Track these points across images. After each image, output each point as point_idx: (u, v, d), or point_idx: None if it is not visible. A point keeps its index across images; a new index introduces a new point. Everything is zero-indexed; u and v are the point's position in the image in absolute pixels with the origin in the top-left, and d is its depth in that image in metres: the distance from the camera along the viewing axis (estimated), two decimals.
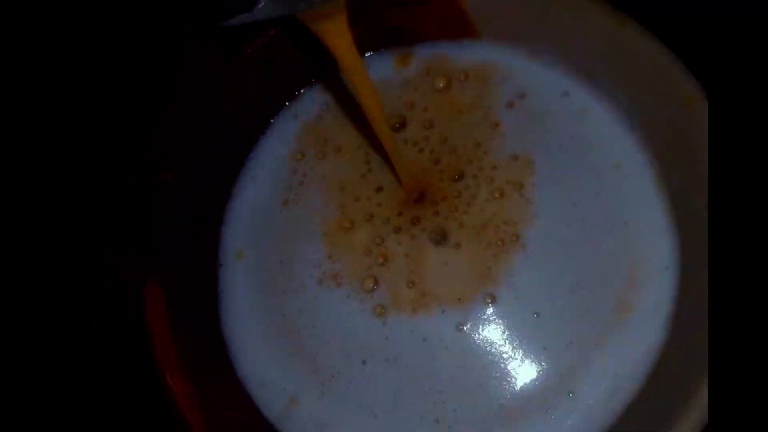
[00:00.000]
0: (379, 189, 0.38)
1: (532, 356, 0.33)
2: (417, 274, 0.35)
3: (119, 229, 0.40)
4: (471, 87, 0.39)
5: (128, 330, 0.37)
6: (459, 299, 0.34)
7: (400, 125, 0.38)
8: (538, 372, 0.33)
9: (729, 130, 0.31)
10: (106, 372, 0.38)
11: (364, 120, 0.36)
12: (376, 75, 0.39)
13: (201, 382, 0.34)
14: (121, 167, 0.42)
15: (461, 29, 0.39)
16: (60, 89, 0.44)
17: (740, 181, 0.30)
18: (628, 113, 0.36)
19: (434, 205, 0.36)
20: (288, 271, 0.37)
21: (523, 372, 0.33)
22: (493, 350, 0.34)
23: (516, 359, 0.33)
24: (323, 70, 0.40)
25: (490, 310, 0.34)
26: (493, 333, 0.34)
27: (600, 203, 0.35)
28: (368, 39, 0.40)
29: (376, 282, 0.35)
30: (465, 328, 0.34)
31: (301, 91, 0.41)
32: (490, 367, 0.34)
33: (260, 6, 0.27)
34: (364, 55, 0.40)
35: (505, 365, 0.33)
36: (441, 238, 0.36)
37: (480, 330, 0.34)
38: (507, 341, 0.34)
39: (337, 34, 0.31)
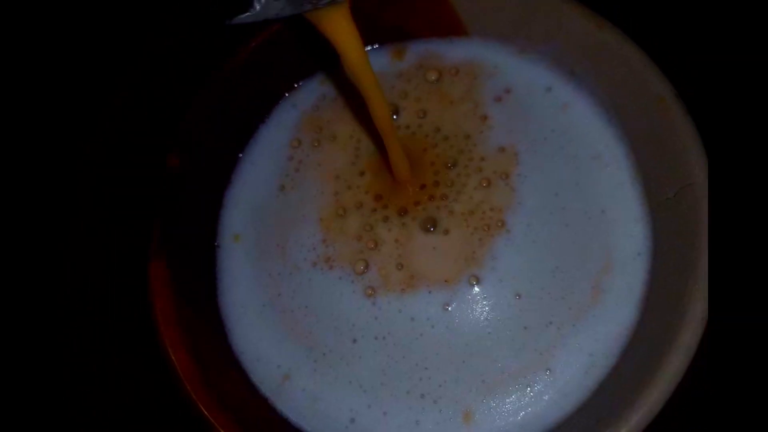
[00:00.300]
0: (368, 176, 0.39)
1: (513, 335, 0.35)
2: (406, 257, 0.37)
3: (124, 213, 0.40)
4: (461, 81, 0.40)
5: (128, 328, 0.38)
6: (445, 281, 0.36)
7: (394, 112, 0.40)
8: (519, 350, 0.35)
9: (699, 125, 0.33)
10: (106, 371, 0.39)
11: (358, 110, 0.37)
12: (372, 67, 0.41)
13: (201, 357, 0.35)
14: (125, 159, 0.43)
15: (451, 28, 0.41)
16: (60, 89, 0.44)
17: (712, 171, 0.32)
18: (606, 108, 0.38)
19: (426, 193, 0.38)
20: (283, 253, 0.38)
21: (505, 350, 0.35)
22: (477, 329, 0.35)
23: (498, 338, 0.35)
24: (321, 63, 0.42)
25: (474, 291, 0.35)
26: (476, 313, 0.35)
27: (579, 192, 0.37)
28: (365, 35, 0.41)
29: (366, 265, 0.37)
30: (450, 308, 0.35)
31: (300, 83, 0.42)
32: (473, 344, 0.35)
33: (268, 6, 0.28)
34: None
35: (488, 343, 0.35)
36: (431, 225, 0.37)
37: (465, 310, 0.35)
38: (490, 321, 0.35)
39: (342, 32, 0.32)
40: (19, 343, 0.40)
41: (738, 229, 0.31)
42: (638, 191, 0.36)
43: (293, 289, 0.38)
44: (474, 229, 0.36)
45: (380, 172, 0.39)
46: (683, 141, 0.34)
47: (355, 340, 0.36)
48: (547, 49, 0.39)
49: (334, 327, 0.36)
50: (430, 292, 0.36)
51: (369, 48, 0.42)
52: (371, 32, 0.41)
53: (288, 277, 0.38)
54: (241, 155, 0.41)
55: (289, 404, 0.36)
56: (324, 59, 0.41)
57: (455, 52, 0.41)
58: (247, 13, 0.29)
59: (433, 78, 0.41)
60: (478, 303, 0.35)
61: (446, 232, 0.37)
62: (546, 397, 0.34)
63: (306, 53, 0.41)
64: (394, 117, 0.40)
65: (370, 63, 0.33)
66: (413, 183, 0.38)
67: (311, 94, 0.42)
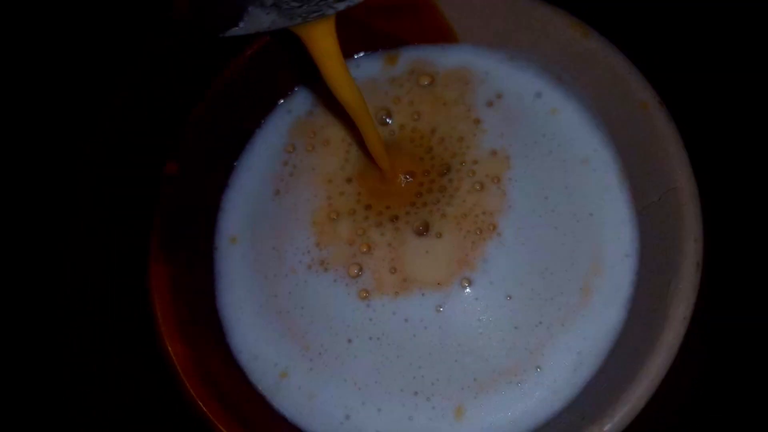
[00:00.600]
0: (361, 180, 0.40)
1: (504, 335, 0.36)
2: (399, 261, 0.37)
3: (124, 213, 0.41)
4: (453, 87, 0.41)
5: (128, 328, 0.39)
6: (438, 283, 0.36)
7: (387, 116, 0.41)
8: (509, 349, 0.35)
9: (682, 130, 0.34)
10: (106, 371, 0.40)
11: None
12: (365, 73, 0.42)
13: (200, 356, 0.35)
14: (125, 159, 0.43)
15: (442, 35, 0.42)
16: (60, 89, 0.45)
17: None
18: (594, 114, 0.39)
19: (419, 198, 0.38)
20: (279, 256, 0.39)
21: (496, 349, 0.36)
22: (469, 329, 0.36)
23: (489, 338, 0.36)
24: (315, 70, 0.42)
25: (466, 293, 0.36)
26: (468, 314, 0.36)
27: (569, 195, 0.38)
28: (357, 42, 0.42)
29: (360, 268, 0.37)
30: (443, 309, 0.36)
31: (295, 89, 0.43)
32: (465, 344, 0.36)
33: (259, 19, 0.29)
34: (354, 55, 0.43)
35: (479, 343, 0.36)
36: (424, 229, 0.38)
37: (457, 311, 0.36)
38: (481, 321, 0.36)
39: (323, 44, 0.33)
40: (19, 343, 0.40)
41: (723, 231, 0.32)
42: (625, 195, 0.37)
43: (289, 290, 0.38)
44: (466, 233, 0.37)
45: (373, 176, 0.40)
46: (666, 146, 0.35)
47: (350, 340, 0.37)
48: (535, 56, 0.40)
49: (329, 327, 0.37)
50: (423, 295, 0.36)
51: (362, 54, 0.43)
52: (363, 39, 0.42)
53: (284, 279, 0.38)
54: (237, 160, 0.42)
55: (285, 401, 0.37)
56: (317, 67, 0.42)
57: (447, 58, 0.42)
58: (239, 27, 0.29)
59: (425, 83, 0.41)
60: (470, 305, 0.36)
61: (439, 235, 0.37)
62: (536, 395, 0.35)
63: (301, 60, 0.41)
64: (388, 121, 0.41)
65: (353, 84, 0.34)
66: (406, 187, 0.39)
67: (306, 100, 0.43)
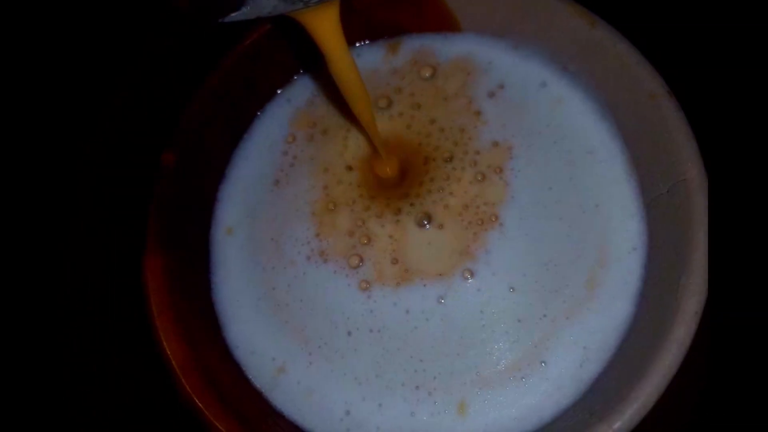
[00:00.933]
0: (363, 171, 0.39)
1: (508, 328, 0.35)
2: (400, 252, 0.37)
3: (124, 213, 0.40)
4: (455, 77, 0.40)
5: (128, 328, 0.38)
6: (440, 274, 0.36)
7: (388, 106, 0.40)
8: (513, 342, 0.35)
9: (692, 121, 0.34)
10: (106, 371, 0.40)
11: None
12: (365, 63, 0.41)
13: (196, 351, 0.35)
14: (125, 159, 0.43)
15: (444, 23, 0.41)
16: (60, 89, 0.44)
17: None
18: (600, 104, 0.38)
19: (421, 188, 0.38)
20: (278, 247, 0.38)
21: (499, 342, 0.35)
22: (471, 322, 0.35)
23: (492, 330, 0.35)
24: (315, 58, 0.42)
25: (468, 285, 0.36)
26: (471, 306, 0.35)
27: (573, 187, 0.37)
28: (358, 31, 0.42)
29: (361, 259, 0.37)
30: (445, 301, 0.36)
31: (295, 78, 0.42)
32: (468, 337, 0.35)
33: (260, 4, 0.28)
34: (355, 44, 0.42)
35: (482, 336, 0.35)
36: (426, 220, 0.37)
37: (459, 303, 0.35)
38: (484, 314, 0.35)
39: (328, 34, 0.32)
40: (19, 343, 0.40)
41: (734, 224, 0.32)
42: (633, 186, 0.37)
43: (288, 282, 0.38)
44: (468, 224, 0.37)
45: (374, 167, 0.39)
46: (676, 137, 0.34)
47: (350, 333, 0.36)
48: (540, 45, 0.39)
49: (329, 320, 0.36)
50: (424, 286, 0.36)
51: (362, 43, 0.42)
52: (365, 28, 0.42)
53: (282, 270, 0.38)
54: (235, 150, 0.41)
55: (283, 397, 0.36)
56: (318, 55, 0.41)
57: (449, 47, 0.41)
58: (240, 11, 0.28)
59: (427, 74, 0.41)
60: (473, 296, 0.36)
61: (441, 226, 0.37)
62: (540, 390, 0.34)
63: (300, 48, 0.41)
64: (389, 107, 0.40)
65: (356, 67, 0.34)
66: (407, 178, 0.38)
67: (305, 89, 0.42)
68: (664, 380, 0.31)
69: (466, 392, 0.35)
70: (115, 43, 0.45)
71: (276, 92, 0.42)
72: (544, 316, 0.35)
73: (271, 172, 0.40)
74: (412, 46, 0.42)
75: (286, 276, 0.38)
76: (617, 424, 0.30)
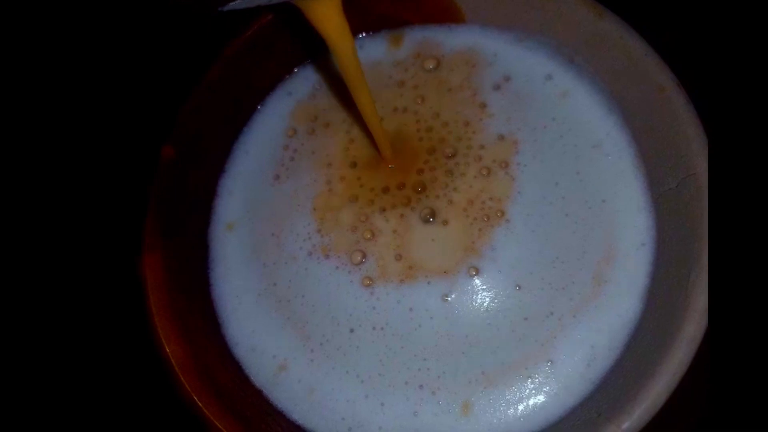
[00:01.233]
0: (365, 166, 0.38)
1: (514, 326, 0.34)
2: (404, 248, 0.36)
3: (122, 212, 0.40)
4: (459, 69, 0.40)
5: (127, 328, 0.38)
6: (444, 271, 0.35)
7: (390, 99, 0.39)
8: (519, 341, 0.34)
9: (701, 115, 0.33)
10: (106, 371, 0.40)
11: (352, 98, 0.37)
12: (368, 56, 0.41)
13: (195, 349, 0.35)
14: (123, 153, 0.42)
15: (448, 15, 0.40)
16: (60, 89, 0.44)
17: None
18: (607, 97, 0.37)
19: (426, 183, 0.37)
20: (278, 243, 0.38)
21: (505, 341, 0.34)
22: (476, 320, 0.35)
23: (498, 328, 0.35)
24: (317, 50, 0.41)
25: (474, 282, 0.35)
26: (476, 303, 0.35)
27: (580, 181, 0.36)
28: (361, 22, 0.41)
29: (364, 255, 0.36)
30: (450, 298, 0.35)
31: (296, 70, 0.42)
32: (472, 335, 0.35)
33: None
34: (357, 36, 0.41)
35: (487, 334, 0.35)
36: (430, 216, 0.36)
37: (464, 300, 0.35)
38: (489, 311, 0.35)
39: (331, 22, 0.31)
40: (19, 343, 0.40)
41: (740, 220, 0.31)
42: (641, 181, 0.36)
43: (289, 278, 0.37)
44: (473, 220, 0.36)
45: (377, 161, 0.38)
46: (685, 131, 0.34)
47: (352, 330, 0.36)
48: (546, 36, 0.39)
49: (331, 317, 0.36)
50: (429, 283, 0.35)
51: (365, 35, 0.41)
52: (367, 19, 0.41)
53: (283, 266, 0.37)
54: (235, 144, 0.40)
55: (284, 395, 0.36)
56: (319, 46, 0.41)
57: (453, 39, 0.41)
58: (239, 0, 0.28)
59: (430, 66, 0.40)
60: (478, 294, 0.35)
61: (445, 222, 0.36)
62: (547, 389, 0.34)
63: (301, 40, 0.40)
64: (391, 104, 0.39)
65: (357, 57, 0.33)
66: (410, 172, 0.38)
67: (306, 82, 0.41)
68: (674, 379, 0.30)
69: (471, 392, 0.34)
70: (115, 35, 0.45)
71: (277, 85, 0.42)
72: (551, 314, 0.34)
73: (272, 167, 0.40)
74: (415, 37, 0.41)
75: (287, 272, 0.37)
76: (626, 425, 0.30)
